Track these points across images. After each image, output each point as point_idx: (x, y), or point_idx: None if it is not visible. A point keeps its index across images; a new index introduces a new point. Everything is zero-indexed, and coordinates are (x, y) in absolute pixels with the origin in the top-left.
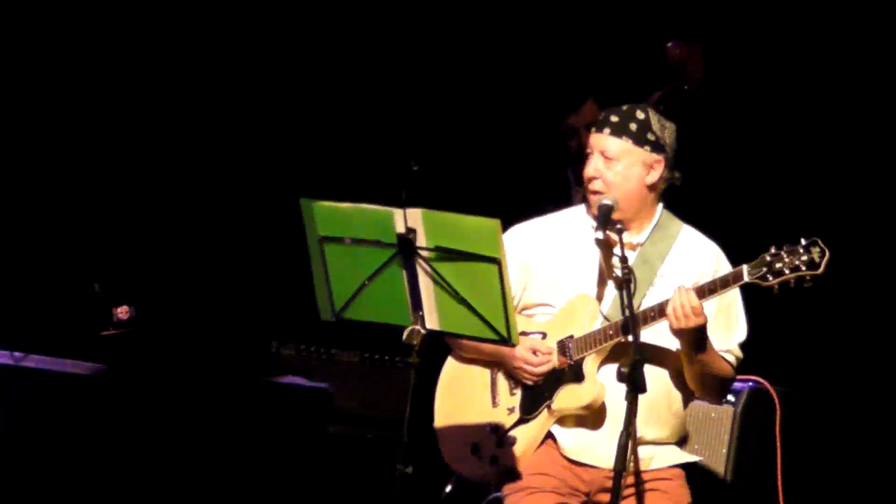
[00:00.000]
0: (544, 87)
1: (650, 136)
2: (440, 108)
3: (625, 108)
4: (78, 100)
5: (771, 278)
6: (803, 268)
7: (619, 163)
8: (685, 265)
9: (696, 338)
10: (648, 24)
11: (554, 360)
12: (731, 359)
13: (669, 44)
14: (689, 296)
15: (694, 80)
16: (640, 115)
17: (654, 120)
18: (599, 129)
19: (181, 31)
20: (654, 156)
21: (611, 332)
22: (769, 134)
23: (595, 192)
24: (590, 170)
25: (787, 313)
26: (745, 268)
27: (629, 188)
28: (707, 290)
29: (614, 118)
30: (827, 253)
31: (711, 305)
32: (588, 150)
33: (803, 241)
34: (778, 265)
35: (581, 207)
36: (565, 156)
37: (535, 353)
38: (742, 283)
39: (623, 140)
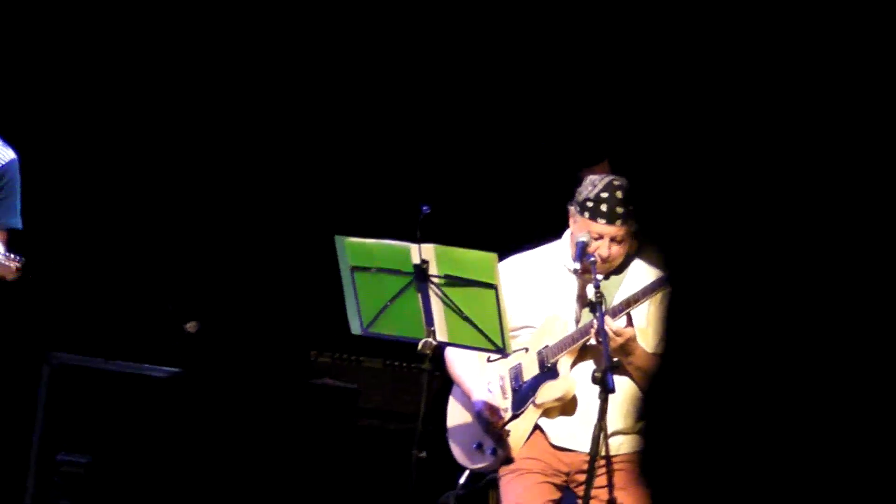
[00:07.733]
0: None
1: (632, 208)
2: (447, 161)
3: (619, 194)
4: (150, 140)
5: None
6: None
7: (625, 241)
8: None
9: (625, 351)
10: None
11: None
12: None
13: None
14: (608, 322)
15: None
16: (624, 194)
17: (629, 192)
18: (610, 221)
19: (216, 80)
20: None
21: (576, 336)
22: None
23: (609, 265)
24: (603, 252)
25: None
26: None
27: (625, 252)
28: (633, 301)
29: (619, 209)
30: None
31: (642, 316)
32: (595, 236)
33: None
34: None
35: (557, 245)
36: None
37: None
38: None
39: (627, 225)
